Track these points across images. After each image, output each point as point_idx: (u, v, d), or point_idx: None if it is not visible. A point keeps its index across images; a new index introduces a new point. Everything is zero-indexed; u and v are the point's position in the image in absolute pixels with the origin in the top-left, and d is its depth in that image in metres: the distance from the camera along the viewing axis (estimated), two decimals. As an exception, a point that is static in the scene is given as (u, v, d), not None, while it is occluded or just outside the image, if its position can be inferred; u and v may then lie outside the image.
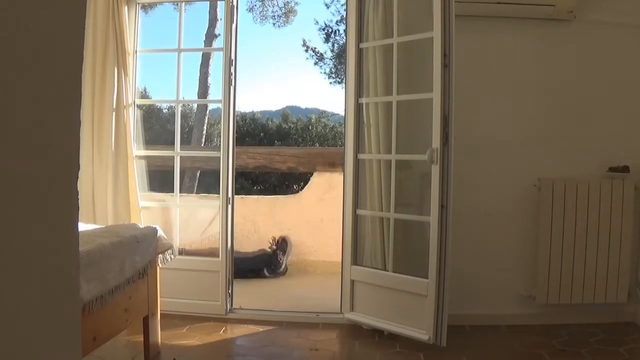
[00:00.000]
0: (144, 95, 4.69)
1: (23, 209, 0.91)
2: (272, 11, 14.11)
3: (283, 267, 5.18)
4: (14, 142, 0.88)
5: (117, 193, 3.77)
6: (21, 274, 0.91)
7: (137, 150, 3.89)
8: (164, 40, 4.26)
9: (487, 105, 3.64)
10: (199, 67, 10.13)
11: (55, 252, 1.00)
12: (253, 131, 14.54)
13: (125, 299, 2.70)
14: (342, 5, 13.85)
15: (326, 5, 14.16)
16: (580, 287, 3.55)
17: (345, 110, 3.70)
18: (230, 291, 3.80)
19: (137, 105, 3.95)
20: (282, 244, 5.25)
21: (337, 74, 14.49)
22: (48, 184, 0.97)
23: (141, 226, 3.08)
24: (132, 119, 3.85)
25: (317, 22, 14.33)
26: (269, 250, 5.20)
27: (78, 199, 1.05)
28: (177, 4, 4.07)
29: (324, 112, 16.29)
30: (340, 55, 13.99)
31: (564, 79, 3.66)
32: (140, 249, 2.78)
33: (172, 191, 3.95)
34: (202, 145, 10.97)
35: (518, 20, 3.59)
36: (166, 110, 10.89)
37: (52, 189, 0.99)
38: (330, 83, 14.74)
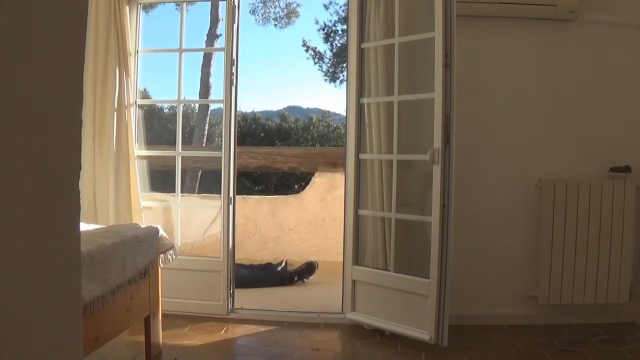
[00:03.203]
0: (145, 95, 4.69)
1: (24, 209, 0.91)
2: (274, 12, 14.15)
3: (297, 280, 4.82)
4: (15, 142, 0.88)
5: (118, 193, 3.77)
6: (22, 274, 0.91)
7: (138, 150, 3.89)
8: (166, 40, 4.25)
9: (489, 106, 3.64)
10: (200, 67, 10.14)
11: (57, 252, 1.00)
12: (254, 131, 14.56)
13: (127, 299, 2.70)
14: (340, 6, 13.88)
15: (325, 6, 14.20)
16: (582, 287, 3.55)
17: (346, 110, 3.70)
18: (231, 291, 3.80)
19: (138, 105, 3.95)
20: (306, 269, 4.83)
21: (338, 74, 14.53)
22: (49, 184, 0.97)
23: (142, 226, 3.08)
24: (134, 119, 3.85)
25: (317, 22, 14.38)
26: (280, 269, 4.83)
27: (79, 198, 1.06)
28: (179, 4, 4.07)
29: (327, 112, 16.33)
30: (340, 55, 14.03)
31: (566, 79, 3.66)
32: (141, 249, 2.78)
33: (174, 191, 3.95)
34: (204, 145, 10.99)
35: (519, 20, 3.59)
36: (167, 110, 10.90)
37: (54, 189, 0.99)
38: (325, 80, 14.79)
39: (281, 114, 15.79)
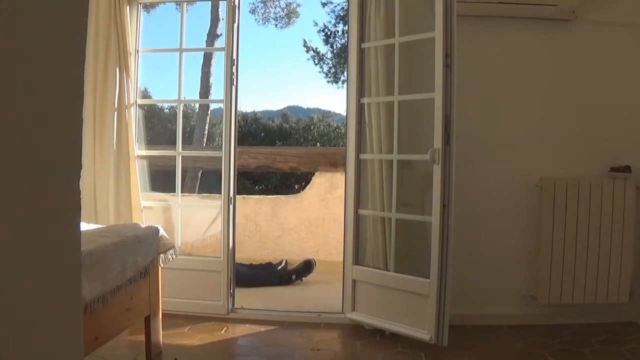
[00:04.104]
0: (146, 95, 4.69)
1: (25, 209, 0.91)
2: (274, 12, 14.16)
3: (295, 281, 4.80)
4: (15, 142, 0.88)
5: (118, 193, 3.77)
6: (23, 274, 0.91)
7: (138, 150, 3.89)
8: (166, 40, 4.26)
9: (489, 105, 3.64)
10: (200, 67, 10.16)
11: (57, 251, 1.00)
12: (254, 131, 14.57)
13: (127, 298, 2.70)
14: (338, 5, 13.88)
15: (322, 4, 14.20)
16: (582, 287, 3.55)
17: (347, 110, 3.70)
18: (232, 291, 3.80)
19: (138, 105, 3.95)
20: (304, 267, 4.83)
21: (338, 74, 14.54)
22: (50, 184, 0.97)
23: (143, 226, 3.08)
24: (134, 119, 3.85)
25: (316, 24, 14.38)
26: (279, 268, 4.81)
27: (80, 198, 1.06)
28: (179, 4, 4.07)
29: (328, 112, 16.35)
30: (341, 56, 14.03)
31: (566, 79, 3.66)
32: (141, 249, 2.78)
33: (174, 191, 3.95)
34: (204, 145, 10.99)
35: (520, 20, 3.59)
36: (168, 110, 10.90)
37: (54, 189, 0.99)
38: (328, 82, 14.79)
39: (283, 114, 15.81)
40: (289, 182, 12.73)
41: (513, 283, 3.69)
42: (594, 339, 3.37)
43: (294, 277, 4.76)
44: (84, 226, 2.85)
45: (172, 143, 4.03)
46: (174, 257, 3.17)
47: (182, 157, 3.91)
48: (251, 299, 4.05)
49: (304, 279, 4.79)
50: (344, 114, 3.81)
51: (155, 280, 3.03)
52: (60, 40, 0.99)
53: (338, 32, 14.24)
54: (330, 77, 14.68)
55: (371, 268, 3.58)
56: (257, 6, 13.98)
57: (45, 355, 0.98)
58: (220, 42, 9.07)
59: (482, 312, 3.64)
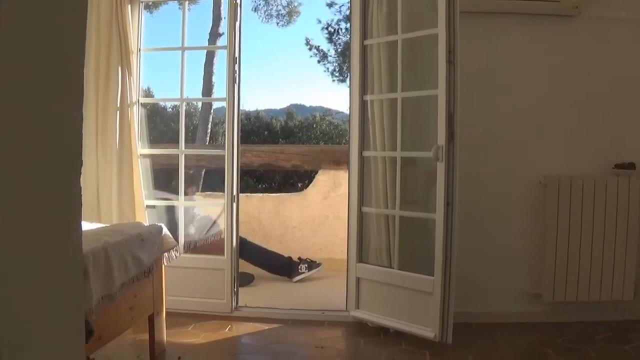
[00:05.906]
0: (148, 93, 4.69)
1: (26, 207, 0.91)
2: (276, 10, 14.17)
3: (298, 278, 4.78)
4: (16, 140, 0.87)
5: (121, 192, 3.77)
6: (24, 274, 0.91)
7: (141, 148, 3.88)
8: (168, 39, 4.25)
9: (492, 102, 3.62)
10: (203, 66, 10.14)
11: (58, 251, 1.00)
12: (257, 129, 14.57)
13: (131, 297, 2.70)
14: (344, 6, 13.87)
15: (328, 5, 14.20)
16: (586, 284, 3.54)
17: (349, 107, 3.69)
18: (235, 289, 3.80)
19: (141, 103, 3.95)
20: (312, 263, 4.88)
21: (341, 72, 14.53)
22: (50, 183, 0.97)
23: (146, 224, 3.08)
24: (137, 118, 3.85)
25: (319, 22, 14.39)
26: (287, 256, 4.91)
27: (81, 196, 1.05)
28: (181, 3, 4.07)
29: (329, 110, 16.34)
30: (343, 54, 14.03)
31: (569, 75, 3.64)
32: (145, 248, 2.78)
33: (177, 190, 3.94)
34: (207, 143, 10.98)
35: (523, 16, 3.57)
36: (170, 109, 10.90)
37: (54, 188, 0.98)
38: (334, 80, 14.78)
39: (288, 112, 15.81)
40: (292, 180, 12.73)
41: (517, 280, 3.68)
42: (598, 337, 3.36)
43: (300, 267, 4.73)
44: (87, 225, 2.85)
45: (174, 142, 4.02)
46: (177, 255, 3.18)
47: (185, 155, 3.91)
48: (255, 297, 4.05)
49: (308, 273, 4.76)
50: (347, 111, 3.80)
51: (158, 279, 3.03)
52: (60, 38, 0.98)
53: (341, 29, 14.24)
54: (335, 76, 14.69)
55: (375, 266, 3.57)
56: (259, 4, 14.00)
57: (47, 355, 0.98)
58: (222, 41, 9.05)
59: (487, 309, 3.63)
